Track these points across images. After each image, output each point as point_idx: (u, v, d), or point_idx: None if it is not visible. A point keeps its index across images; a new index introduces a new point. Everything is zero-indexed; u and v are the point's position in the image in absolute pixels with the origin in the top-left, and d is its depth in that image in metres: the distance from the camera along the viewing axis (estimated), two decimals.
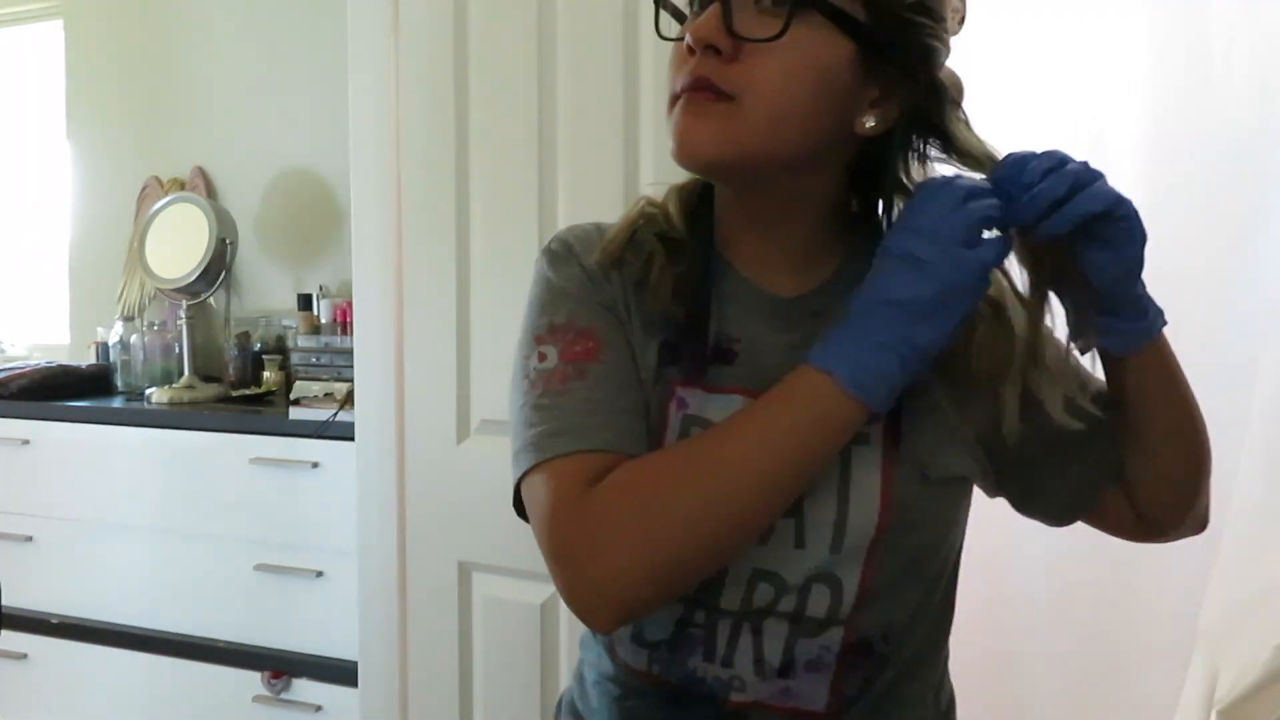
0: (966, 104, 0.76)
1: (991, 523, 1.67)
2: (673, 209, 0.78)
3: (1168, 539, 0.83)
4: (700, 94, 0.67)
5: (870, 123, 0.70)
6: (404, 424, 1.62)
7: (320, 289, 2.45)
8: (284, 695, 2.03)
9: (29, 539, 2.30)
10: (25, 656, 2.30)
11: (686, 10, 0.71)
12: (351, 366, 1.70)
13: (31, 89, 3.07)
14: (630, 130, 1.43)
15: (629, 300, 0.75)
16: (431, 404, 1.58)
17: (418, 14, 1.56)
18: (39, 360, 2.75)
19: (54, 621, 2.26)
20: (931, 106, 0.72)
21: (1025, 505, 0.83)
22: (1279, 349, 1.46)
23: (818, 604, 0.73)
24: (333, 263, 2.50)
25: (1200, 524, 0.82)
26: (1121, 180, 1.68)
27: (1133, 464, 0.78)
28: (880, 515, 0.71)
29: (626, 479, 0.66)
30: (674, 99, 0.70)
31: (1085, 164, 0.67)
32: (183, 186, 2.68)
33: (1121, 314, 0.70)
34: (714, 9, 0.66)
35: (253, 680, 2.05)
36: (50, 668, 2.28)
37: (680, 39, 0.70)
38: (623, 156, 1.43)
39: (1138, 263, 0.68)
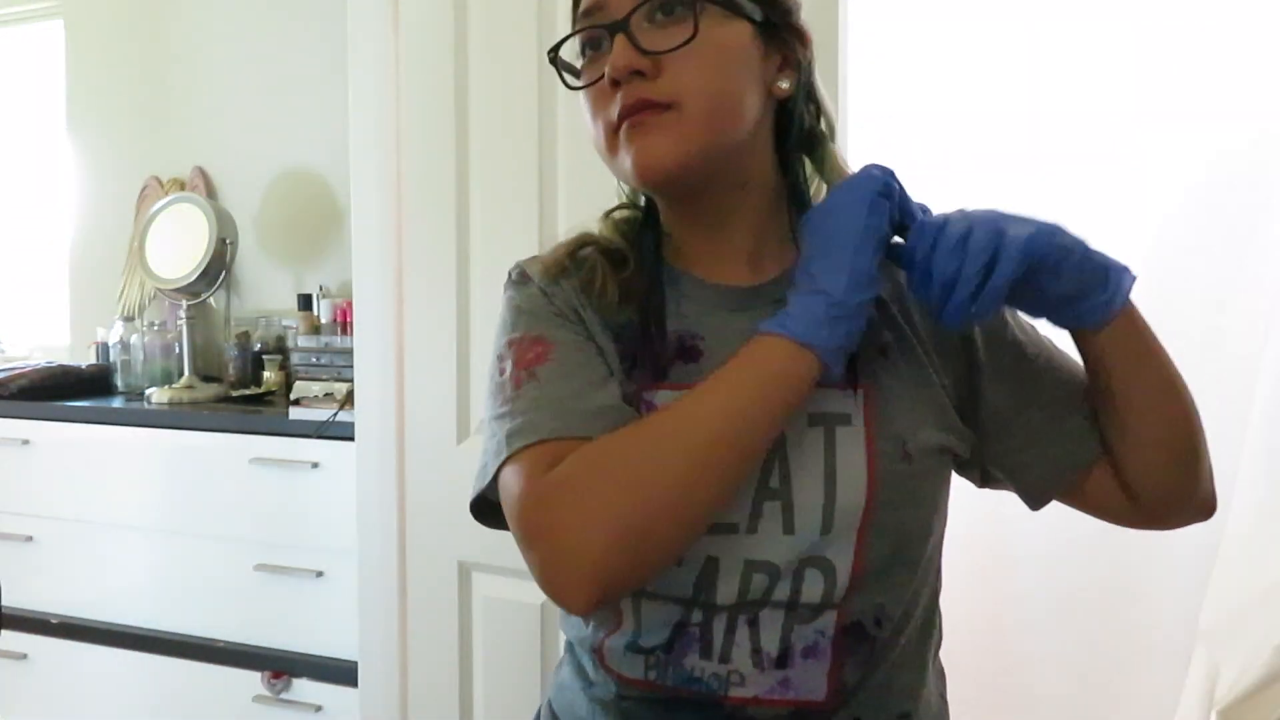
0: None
1: (992, 526, 1.67)
2: (606, 228, 0.83)
3: (1170, 524, 0.82)
4: (642, 114, 0.72)
5: (785, 84, 0.76)
6: (404, 424, 1.62)
7: (320, 289, 2.45)
8: (284, 695, 2.03)
9: (29, 539, 2.30)
10: (25, 656, 2.30)
11: (583, 60, 0.77)
12: (351, 366, 1.71)
13: (31, 89, 3.06)
14: None
15: (580, 304, 0.79)
16: (431, 404, 1.59)
17: (418, 14, 1.56)
18: (39, 360, 2.75)
19: (54, 621, 2.26)
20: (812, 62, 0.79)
21: (1008, 480, 0.84)
22: (1279, 349, 1.46)
23: (812, 589, 0.74)
24: (333, 263, 2.50)
25: (1204, 507, 0.81)
26: (1121, 180, 1.69)
27: (1116, 439, 0.78)
28: (867, 492, 0.73)
29: (585, 455, 0.67)
30: (612, 131, 0.74)
31: (992, 224, 0.68)
32: (183, 186, 2.68)
33: (1080, 298, 0.70)
34: (620, 41, 0.71)
35: (253, 680, 2.05)
36: (50, 668, 2.28)
37: (587, 86, 0.75)
38: None
39: (1077, 264, 0.69)
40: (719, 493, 0.68)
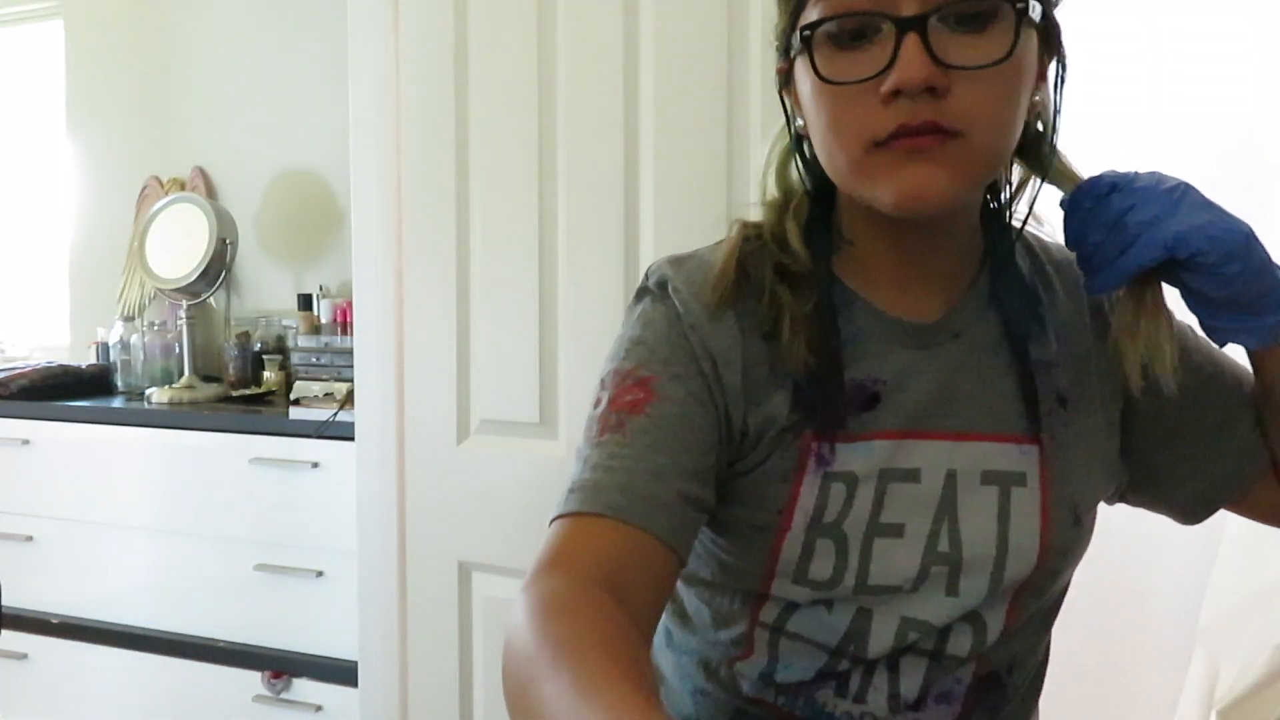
0: None
1: None
2: (794, 239, 0.69)
3: None
4: (926, 139, 0.60)
5: (1038, 96, 0.66)
6: (404, 424, 1.62)
7: (320, 289, 2.45)
8: (284, 695, 2.03)
9: (29, 539, 2.30)
10: (25, 656, 2.30)
11: (828, 47, 0.62)
12: (351, 366, 1.71)
13: (31, 89, 3.07)
14: (630, 128, 1.43)
15: (745, 346, 0.68)
16: (431, 404, 1.59)
17: (418, 14, 1.56)
18: (39, 360, 2.75)
19: (54, 621, 2.26)
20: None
21: (1160, 496, 0.79)
22: None
23: (959, 643, 0.71)
24: (333, 263, 2.50)
25: None
26: None
27: None
28: (1037, 562, 0.69)
29: (523, 640, 0.54)
30: (871, 146, 0.61)
31: (1157, 203, 0.63)
32: (183, 186, 2.68)
33: (1246, 312, 0.64)
34: (914, 45, 0.58)
35: (253, 680, 2.05)
36: (50, 668, 2.28)
37: (853, 83, 0.61)
38: (623, 155, 1.43)
39: (1241, 274, 0.62)
40: None
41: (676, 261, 0.72)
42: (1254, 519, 0.79)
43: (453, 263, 1.56)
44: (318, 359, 2.25)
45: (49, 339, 3.01)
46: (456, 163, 1.55)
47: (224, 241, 2.43)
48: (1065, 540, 0.70)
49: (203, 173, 2.68)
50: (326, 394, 2.02)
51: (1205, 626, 1.51)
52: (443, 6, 1.54)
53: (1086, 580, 1.63)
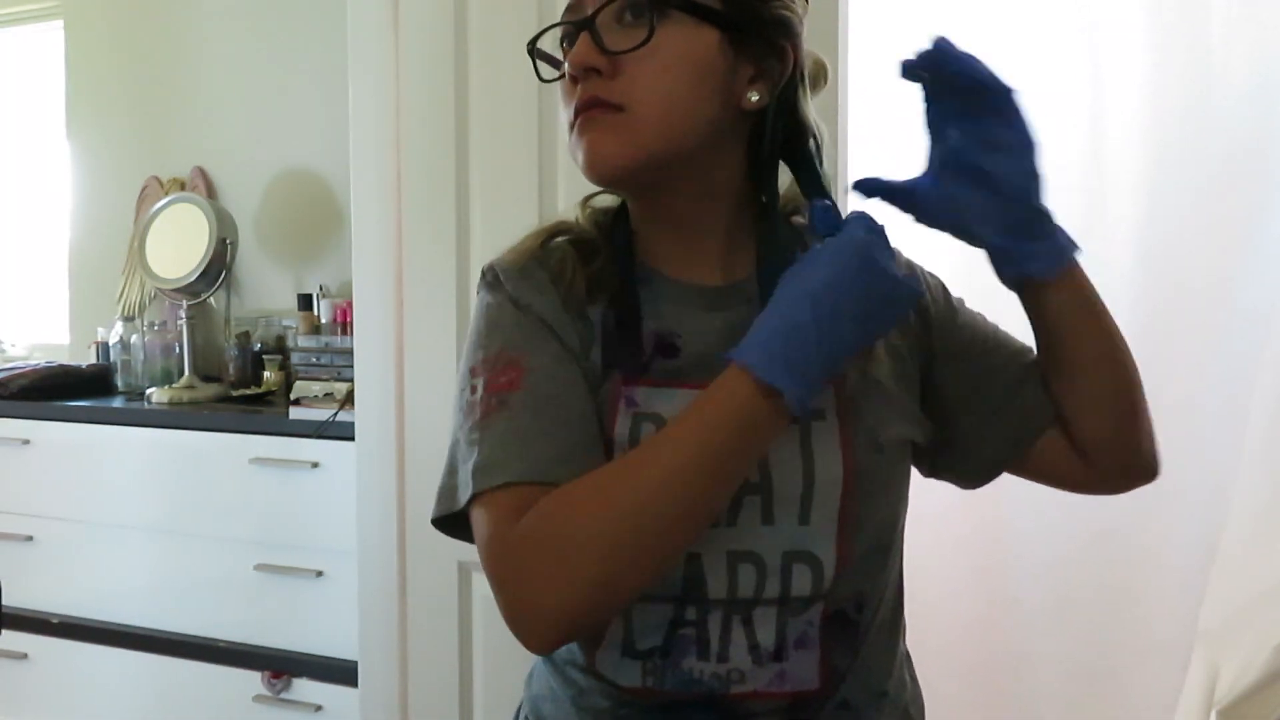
0: None
1: (992, 527, 1.67)
2: (580, 216, 0.83)
3: (1118, 485, 0.85)
4: (592, 111, 0.73)
5: (754, 97, 0.75)
6: (404, 424, 1.62)
7: (320, 289, 2.45)
8: (284, 695, 2.03)
9: (29, 539, 2.30)
10: (25, 656, 2.30)
11: (561, 53, 0.77)
12: (351, 366, 1.70)
13: (31, 89, 3.07)
14: None
15: (561, 307, 0.77)
16: (431, 404, 1.59)
17: (418, 14, 1.57)
18: (39, 360, 2.75)
19: (54, 621, 2.26)
20: (799, 77, 0.77)
21: (960, 460, 0.87)
22: (1279, 348, 1.46)
23: (801, 584, 0.75)
24: (333, 263, 2.50)
25: (1149, 469, 0.84)
26: (1122, 181, 1.68)
27: (1066, 397, 0.81)
28: (844, 484, 0.75)
29: (547, 510, 0.67)
30: (571, 126, 0.75)
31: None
32: (183, 186, 2.68)
33: (1034, 232, 0.73)
34: (584, 36, 0.72)
35: (253, 680, 2.05)
36: (50, 668, 2.28)
37: (556, 79, 0.77)
38: None
39: (1035, 172, 0.72)
40: (689, 540, 0.69)
41: (502, 255, 0.82)
42: (1033, 478, 0.87)
43: (453, 263, 1.56)
44: (318, 359, 2.25)
45: (49, 339, 3.02)
46: (456, 163, 1.55)
47: (224, 241, 2.43)
48: (869, 464, 0.76)
49: (203, 173, 2.68)
50: (326, 394, 2.02)
51: (1205, 627, 1.51)
52: (443, 6, 1.54)
53: (1086, 580, 1.64)
